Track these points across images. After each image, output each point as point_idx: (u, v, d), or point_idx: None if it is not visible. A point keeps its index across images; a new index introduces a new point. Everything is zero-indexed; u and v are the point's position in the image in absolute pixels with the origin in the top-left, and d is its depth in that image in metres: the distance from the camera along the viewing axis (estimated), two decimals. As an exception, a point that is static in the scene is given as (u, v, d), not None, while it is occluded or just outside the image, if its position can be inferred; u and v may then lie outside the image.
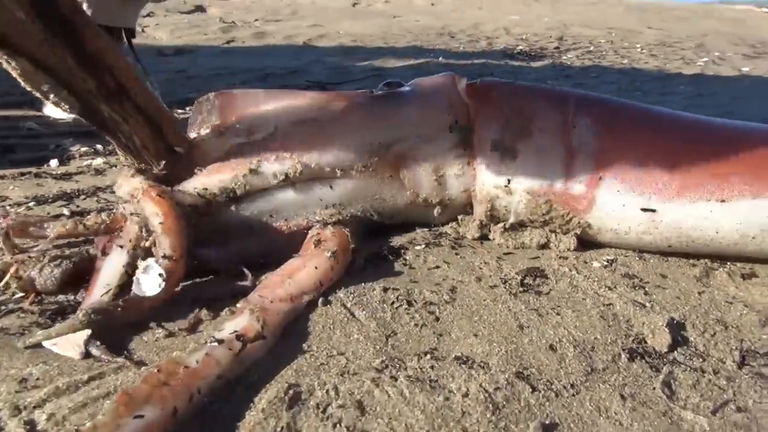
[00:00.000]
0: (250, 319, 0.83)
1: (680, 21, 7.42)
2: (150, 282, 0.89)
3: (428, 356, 0.81)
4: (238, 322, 0.82)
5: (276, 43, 4.39)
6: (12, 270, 0.90)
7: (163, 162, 1.03)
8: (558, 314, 0.91)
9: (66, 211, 1.25)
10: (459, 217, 1.20)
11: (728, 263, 1.08)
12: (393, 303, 0.93)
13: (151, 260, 0.91)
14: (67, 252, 0.93)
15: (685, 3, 8.32)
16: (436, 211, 1.20)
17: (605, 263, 1.08)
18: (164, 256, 0.91)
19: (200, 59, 3.61)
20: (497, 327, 0.88)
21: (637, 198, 1.03)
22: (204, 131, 1.19)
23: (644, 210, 1.03)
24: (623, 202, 1.04)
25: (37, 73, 0.80)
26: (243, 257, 1.07)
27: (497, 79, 1.20)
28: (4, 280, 0.90)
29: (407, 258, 1.10)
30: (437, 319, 0.90)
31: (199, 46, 4.06)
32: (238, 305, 0.88)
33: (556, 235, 1.14)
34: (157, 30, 4.49)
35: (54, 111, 2.02)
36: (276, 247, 1.11)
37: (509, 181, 1.09)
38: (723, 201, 0.99)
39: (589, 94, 1.16)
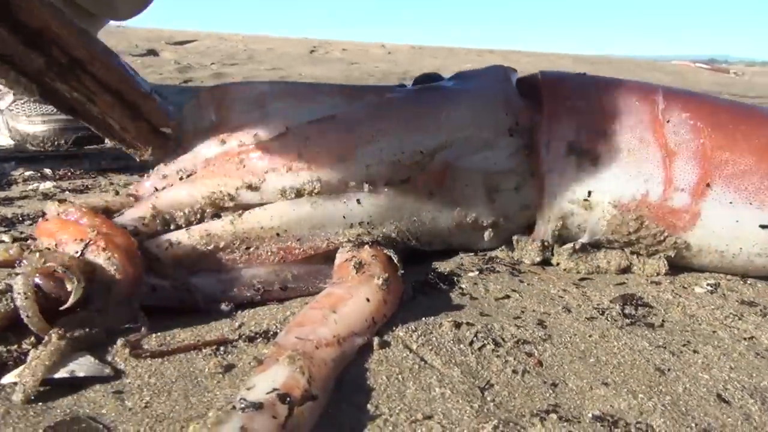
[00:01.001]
0: (291, 371, 0.56)
1: (629, 72, 7.63)
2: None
3: (554, 416, 0.56)
4: (273, 375, 0.55)
5: (236, 83, 4.16)
6: None
7: (150, 147, 0.88)
8: (696, 352, 0.68)
9: (6, 238, 0.96)
10: (514, 239, 0.97)
11: None
12: (472, 342, 0.68)
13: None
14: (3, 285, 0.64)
15: (628, 57, 8.57)
16: (486, 234, 0.97)
17: (709, 288, 0.87)
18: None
19: (156, 95, 3.33)
20: (628, 371, 0.64)
21: (755, 211, 0.83)
22: (198, 134, 0.94)
23: (764, 227, 0.83)
24: (737, 217, 0.84)
25: None
26: (241, 288, 0.81)
27: (562, 71, 1.01)
28: None
29: (463, 286, 0.85)
30: (540, 363, 0.66)
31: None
32: (265, 351, 0.61)
33: (638, 257, 0.93)
34: (106, 68, 4.19)
35: (-7, 138, 1.72)
36: (285, 277, 0.85)
37: (590, 192, 0.87)
38: None
39: (674, 87, 0.97)
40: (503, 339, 0.70)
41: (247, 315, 0.74)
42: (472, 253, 0.98)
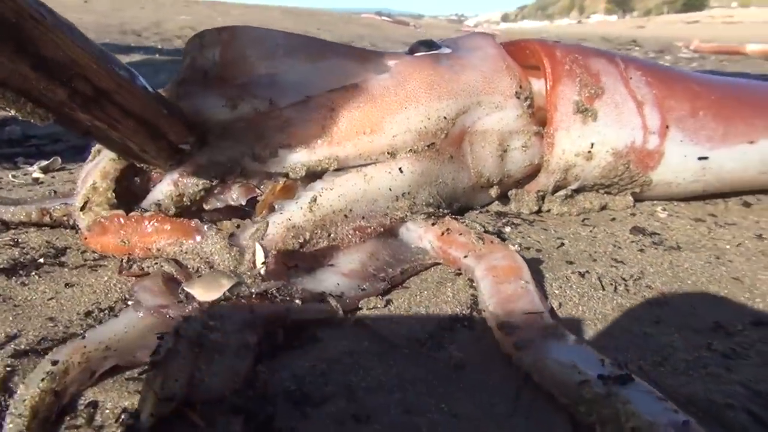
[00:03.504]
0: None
1: (331, 25, 8.07)
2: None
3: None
4: (576, 353, 0.58)
5: None
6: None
7: (170, 163, 0.86)
8: (731, 261, 0.90)
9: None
10: (511, 193, 1.08)
11: (730, 198, 1.21)
12: (604, 287, 0.78)
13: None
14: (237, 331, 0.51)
15: (329, 10, 9.04)
16: (493, 191, 1.05)
17: (667, 213, 1.10)
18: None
19: None
20: (726, 281, 0.82)
21: (694, 147, 1.08)
22: (194, 82, 0.87)
23: (700, 159, 1.08)
24: (684, 153, 1.07)
25: None
26: (371, 280, 0.77)
27: (548, 40, 1.11)
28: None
29: (518, 242, 0.93)
30: (663, 293, 0.79)
31: None
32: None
33: (609, 196, 1.12)
34: None
35: None
36: (385, 259, 0.82)
37: (592, 144, 1.02)
38: (752, 142, 1.11)
39: (615, 52, 1.16)
40: (623, 279, 0.81)
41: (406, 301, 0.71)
42: (476, 211, 1.06)
